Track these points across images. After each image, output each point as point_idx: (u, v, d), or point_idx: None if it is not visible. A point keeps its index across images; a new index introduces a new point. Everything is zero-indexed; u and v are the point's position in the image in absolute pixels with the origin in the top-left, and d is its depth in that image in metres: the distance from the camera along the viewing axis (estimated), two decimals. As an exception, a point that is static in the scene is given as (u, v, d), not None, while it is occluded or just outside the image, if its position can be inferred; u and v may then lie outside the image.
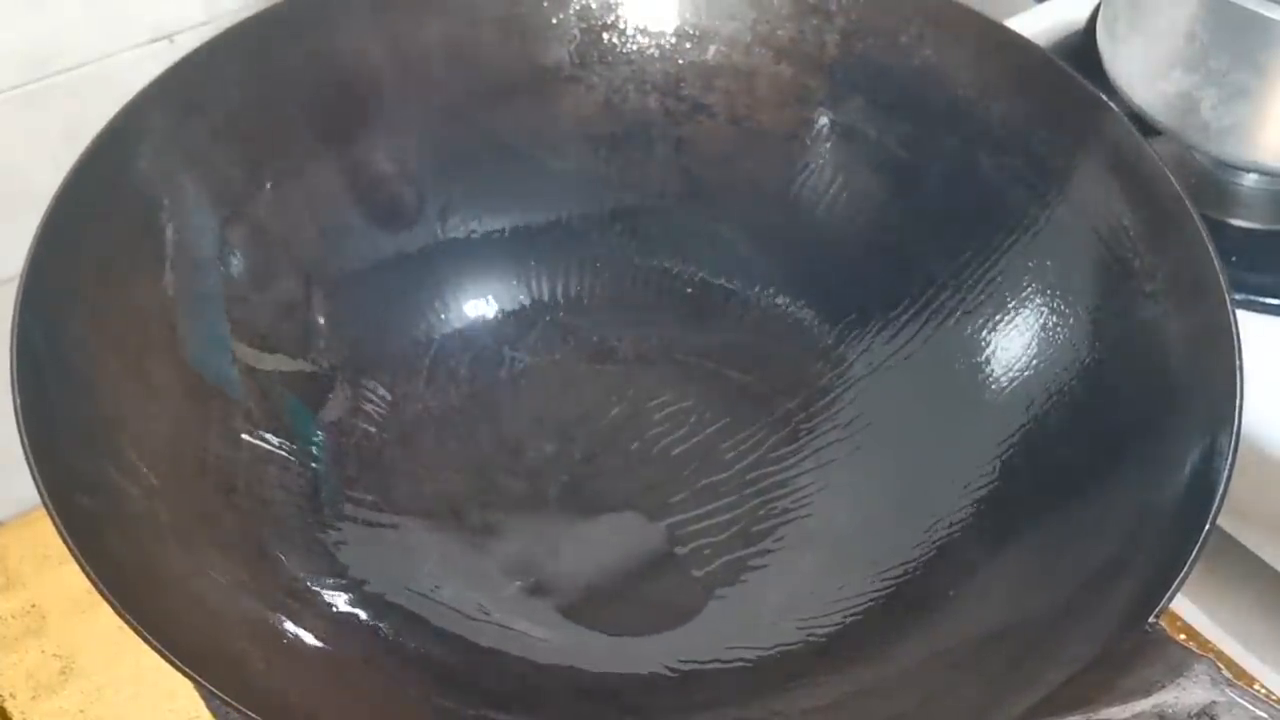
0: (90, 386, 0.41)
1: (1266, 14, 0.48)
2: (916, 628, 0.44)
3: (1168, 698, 0.32)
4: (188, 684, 0.36)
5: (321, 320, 0.50)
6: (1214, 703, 0.32)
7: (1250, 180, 0.56)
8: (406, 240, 0.52)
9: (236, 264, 0.48)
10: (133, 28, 0.52)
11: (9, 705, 0.52)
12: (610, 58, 0.52)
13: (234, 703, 0.34)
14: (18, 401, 0.37)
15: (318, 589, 0.44)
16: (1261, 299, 0.51)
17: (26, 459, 0.36)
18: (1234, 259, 0.51)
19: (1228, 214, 0.55)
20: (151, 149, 0.45)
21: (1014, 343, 0.48)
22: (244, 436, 0.46)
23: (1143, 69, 0.53)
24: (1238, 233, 0.55)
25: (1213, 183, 0.56)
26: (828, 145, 0.52)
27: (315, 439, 0.48)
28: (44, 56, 0.51)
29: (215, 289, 0.47)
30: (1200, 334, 0.42)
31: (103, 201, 0.44)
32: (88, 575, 0.35)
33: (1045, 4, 0.66)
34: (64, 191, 0.42)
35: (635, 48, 0.52)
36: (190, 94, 0.47)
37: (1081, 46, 0.59)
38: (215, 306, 0.47)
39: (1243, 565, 0.51)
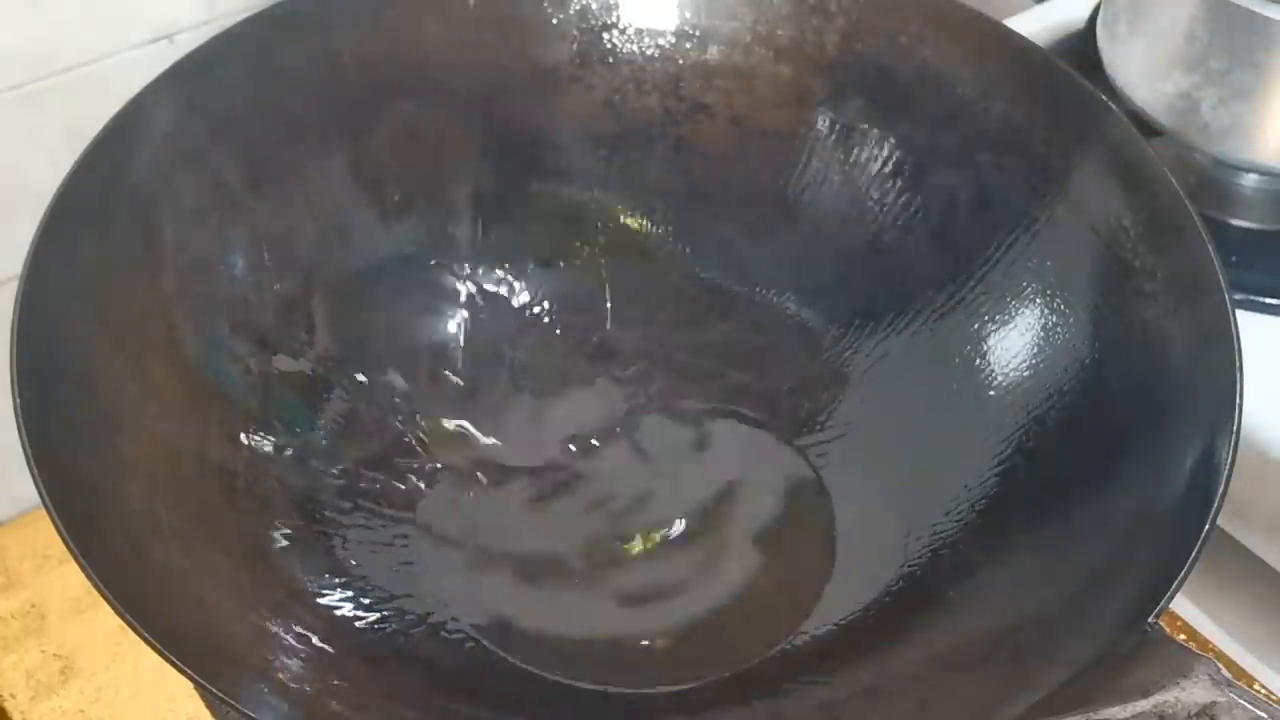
0: (90, 387, 0.41)
1: (1266, 14, 0.48)
2: (916, 628, 0.44)
3: (1168, 698, 0.32)
4: (188, 684, 0.36)
5: (321, 320, 0.50)
6: (1214, 703, 0.32)
7: (1250, 180, 0.56)
8: (405, 239, 0.52)
9: (236, 264, 0.48)
10: (132, 28, 0.52)
11: (9, 705, 0.52)
12: (610, 58, 0.52)
13: (233, 703, 0.34)
14: (18, 402, 0.37)
15: (318, 589, 0.44)
16: (1261, 299, 0.51)
17: (27, 459, 0.36)
18: (1234, 259, 0.51)
19: (1228, 214, 0.55)
20: (151, 148, 0.45)
21: (1014, 343, 0.48)
22: (244, 436, 0.46)
23: (1143, 69, 0.53)
24: (1238, 233, 0.55)
25: (1212, 183, 0.56)
26: (828, 145, 0.52)
27: (315, 439, 0.48)
28: (43, 56, 0.50)
29: (215, 289, 0.47)
30: (1200, 334, 0.42)
31: (103, 201, 0.44)
32: (87, 575, 0.35)
33: (1045, 4, 0.66)
34: (64, 191, 0.42)
35: (635, 48, 0.52)
36: (190, 93, 0.47)
37: (1081, 47, 0.59)
38: (215, 306, 0.47)
39: (1242, 565, 0.51)
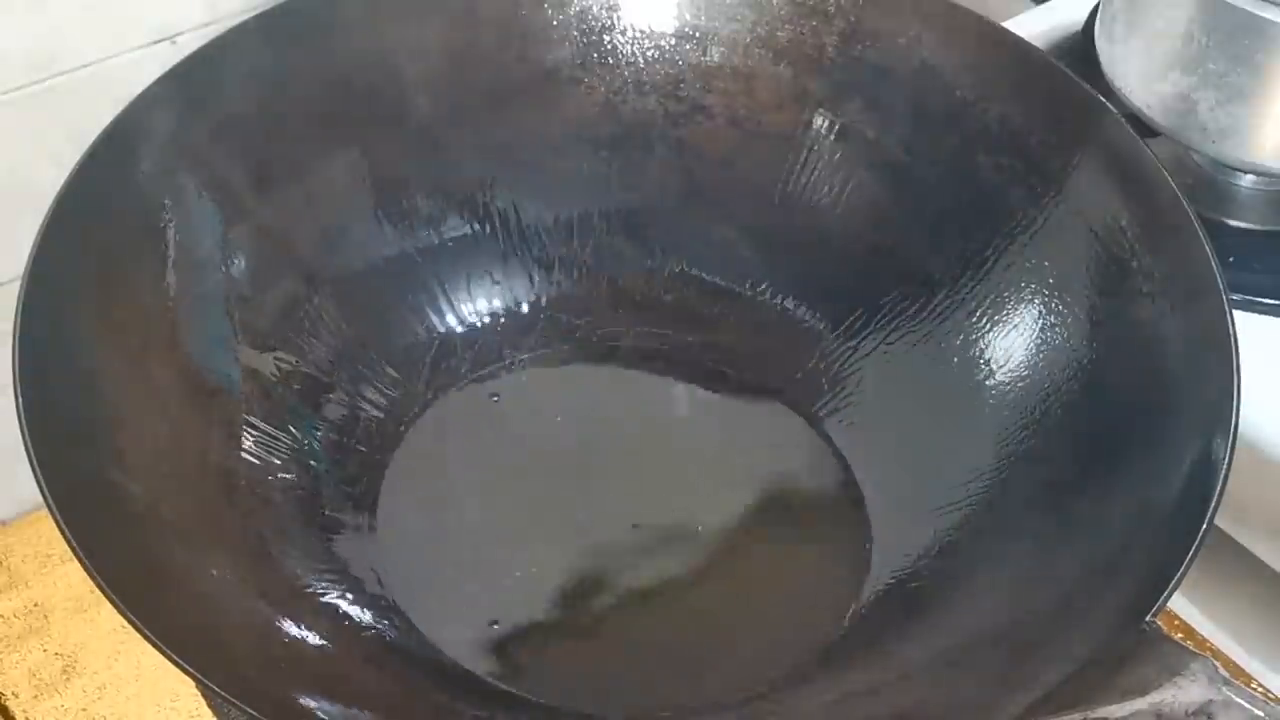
0: (92, 387, 0.41)
1: (1264, 15, 0.48)
2: (916, 628, 0.44)
3: (1165, 696, 0.32)
4: (189, 683, 0.36)
5: (322, 320, 0.50)
6: (1211, 701, 0.32)
7: (1248, 181, 0.56)
8: (407, 240, 0.52)
9: (238, 264, 0.48)
10: (135, 29, 0.52)
11: (11, 704, 0.52)
12: (610, 59, 0.53)
13: (235, 701, 0.34)
14: (20, 402, 0.38)
15: (319, 588, 0.44)
16: (1259, 299, 0.51)
17: (29, 459, 0.37)
18: (1231, 259, 0.51)
19: (1225, 214, 0.55)
20: (153, 149, 0.46)
21: (1012, 343, 0.48)
22: (245, 436, 0.46)
23: (1141, 70, 0.53)
24: (1235, 233, 0.55)
25: (1210, 183, 0.56)
26: (827, 146, 0.52)
27: (316, 439, 0.48)
28: (46, 58, 0.51)
29: (217, 289, 0.47)
30: (1198, 334, 0.42)
31: (105, 202, 0.44)
32: (90, 575, 0.35)
33: (1044, 5, 0.66)
34: (66, 192, 0.42)
35: (635, 49, 0.53)
36: (192, 94, 0.47)
37: (1080, 48, 0.60)
38: (216, 306, 0.47)
39: (1240, 564, 0.51)
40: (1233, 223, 0.55)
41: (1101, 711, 0.32)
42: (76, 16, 0.50)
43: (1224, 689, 0.32)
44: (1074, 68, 0.48)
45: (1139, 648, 0.34)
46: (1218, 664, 0.33)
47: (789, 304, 0.53)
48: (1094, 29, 0.57)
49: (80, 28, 0.50)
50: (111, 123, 0.44)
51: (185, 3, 0.52)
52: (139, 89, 0.45)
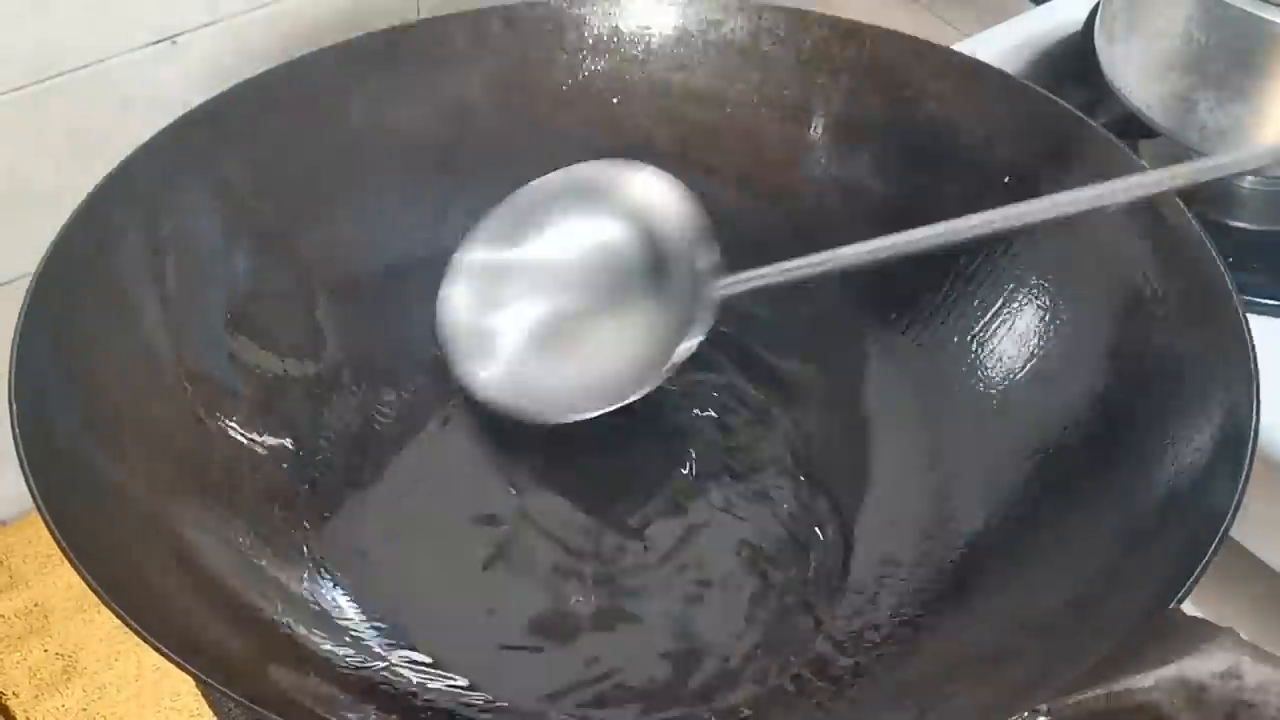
0: (92, 386, 0.41)
1: (1263, 15, 0.48)
2: (933, 630, 0.44)
3: (1191, 663, 0.32)
4: (189, 682, 0.36)
5: (324, 322, 0.50)
6: (1239, 662, 0.31)
7: (1247, 181, 0.56)
8: (409, 243, 0.52)
9: (239, 265, 0.48)
10: (135, 29, 0.52)
11: (11, 704, 0.52)
12: (618, 128, 0.52)
13: (236, 697, 0.34)
14: (19, 402, 0.38)
15: (319, 589, 0.44)
16: (1259, 299, 0.51)
17: (19, 462, 0.37)
18: (1231, 259, 0.51)
19: (1225, 215, 0.55)
20: (156, 149, 0.46)
21: (1011, 344, 0.48)
22: (247, 438, 0.46)
23: (1140, 70, 0.53)
24: (1235, 233, 0.55)
25: (1210, 184, 0.56)
26: (835, 200, 0.52)
27: (317, 440, 0.48)
28: (46, 58, 0.50)
29: (218, 290, 0.47)
30: (1214, 337, 0.42)
31: (105, 203, 0.44)
32: (83, 576, 0.35)
33: (1044, 5, 0.66)
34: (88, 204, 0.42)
35: (641, 112, 0.52)
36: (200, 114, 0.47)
37: (1080, 48, 0.60)
38: (217, 307, 0.47)
39: (1240, 564, 0.51)
40: (1233, 223, 0.55)
41: (1125, 683, 0.32)
42: (77, 16, 0.50)
43: (1251, 652, 0.32)
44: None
45: (1161, 629, 0.34)
46: (1240, 633, 0.32)
47: (790, 310, 0.53)
48: (1094, 29, 0.57)
49: (80, 28, 0.50)
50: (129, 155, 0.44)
51: (185, 3, 0.52)
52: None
